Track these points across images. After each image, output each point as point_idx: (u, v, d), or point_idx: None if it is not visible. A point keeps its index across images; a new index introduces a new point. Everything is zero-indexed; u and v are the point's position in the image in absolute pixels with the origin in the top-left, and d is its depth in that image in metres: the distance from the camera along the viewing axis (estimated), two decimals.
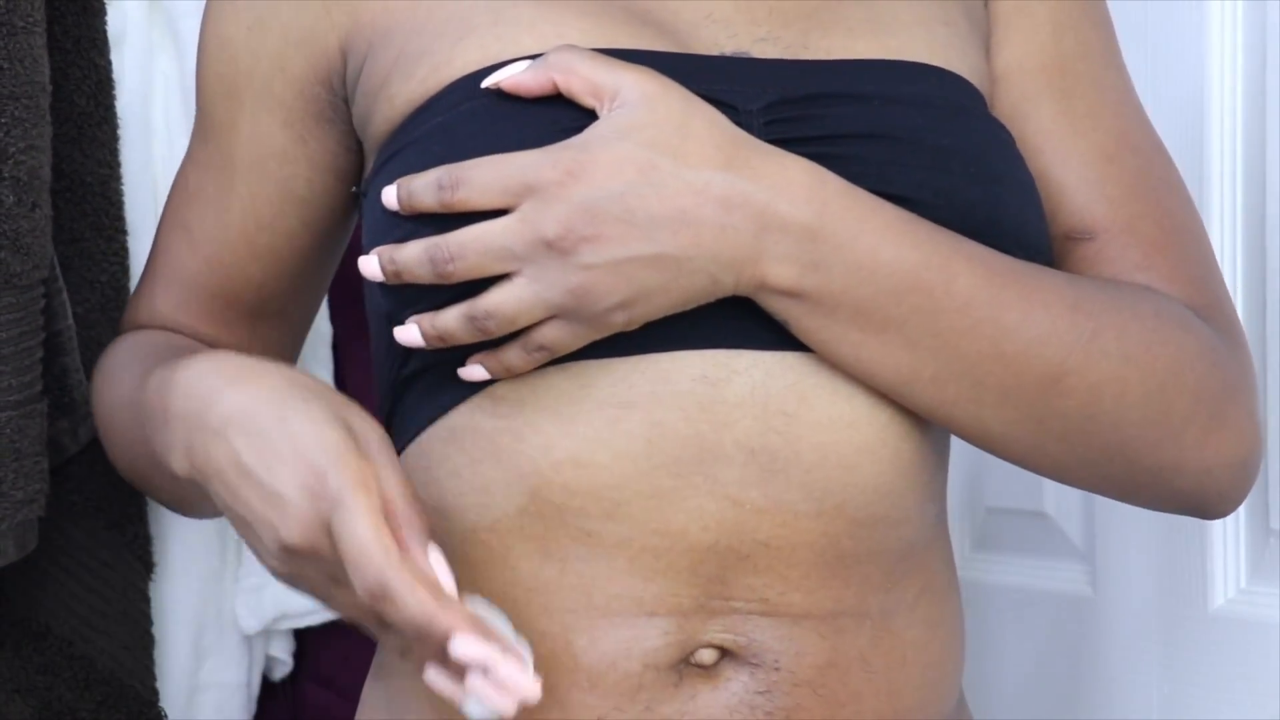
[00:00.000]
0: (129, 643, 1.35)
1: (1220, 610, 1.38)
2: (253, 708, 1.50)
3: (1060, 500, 1.56)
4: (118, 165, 1.39)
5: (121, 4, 1.45)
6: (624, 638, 1.02)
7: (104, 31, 1.37)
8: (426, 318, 1.02)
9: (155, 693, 1.37)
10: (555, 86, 1.02)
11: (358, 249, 1.10)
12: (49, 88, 1.26)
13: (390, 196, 1.03)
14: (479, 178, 1.00)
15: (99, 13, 1.37)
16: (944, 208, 1.05)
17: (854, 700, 1.05)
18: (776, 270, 1.01)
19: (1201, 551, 1.39)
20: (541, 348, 1.01)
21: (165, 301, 1.21)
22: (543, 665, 1.00)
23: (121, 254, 1.37)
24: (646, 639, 1.02)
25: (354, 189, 1.16)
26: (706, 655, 1.03)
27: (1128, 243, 1.12)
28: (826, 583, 1.04)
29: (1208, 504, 1.11)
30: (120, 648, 1.34)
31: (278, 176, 1.17)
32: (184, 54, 1.48)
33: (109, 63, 1.38)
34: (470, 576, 1.03)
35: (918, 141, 1.05)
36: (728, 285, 1.01)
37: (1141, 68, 1.44)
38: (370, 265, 1.03)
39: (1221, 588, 1.38)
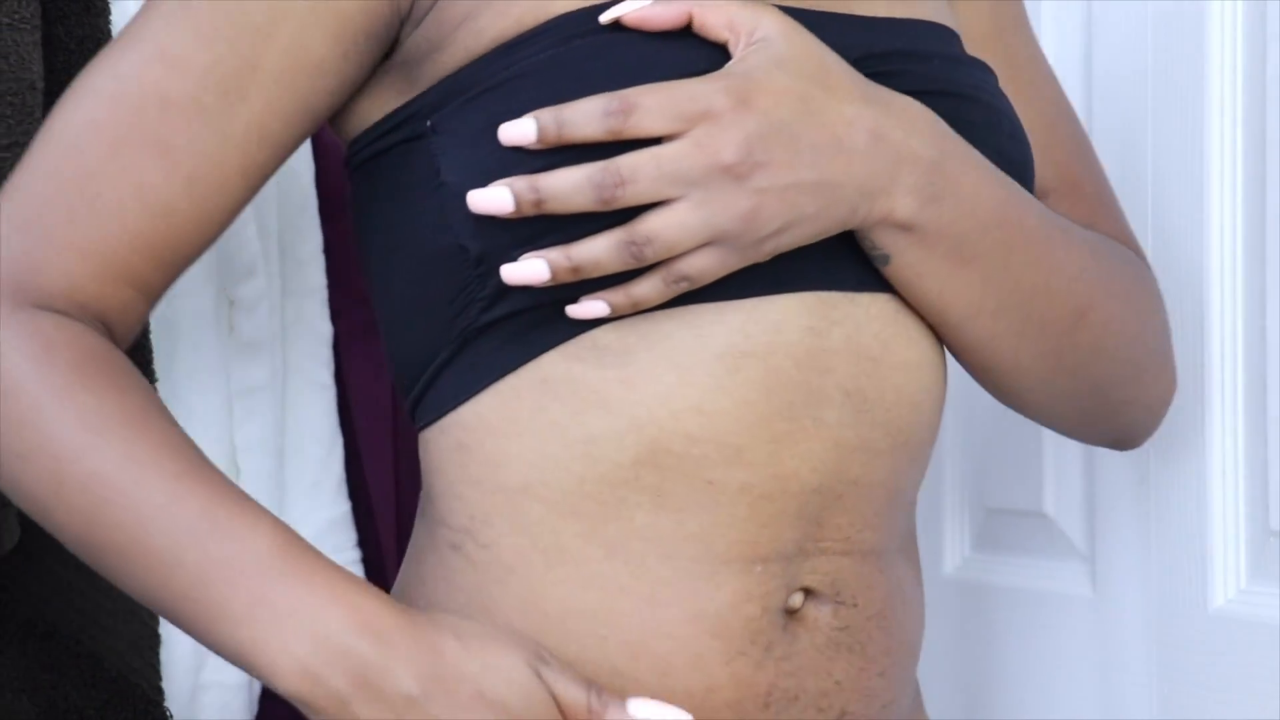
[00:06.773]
0: (135, 641, 1.34)
1: (1220, 610, 1.38)
2: (254, 708, 1.50)
3: (1060, 500, 1.56)
4: None
5: (122, 4, 1.44)
6: (744, 583, 1.04)
7: (107, 31, 1.37)
8: (557, 250, 0.99)
9: (161, 692, 1.36)
10: (687, 19, 1.01)
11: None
12: (40, 85, 1.26)
13: (520, 130, 0.99)
14: (653, 103, 0.98)
15: (102, 12, 1.37)
16: (994, 163, 1.10)
17: (899, 629, 1.10)
18: (903, 202, 1.04)
19: (1201, 552, 1.39)
20: (684, 278, 1.00)
21: (89, 260, 1.04)
22: (668, 611, 1.03)
23: None
24: (761, 583, 1.04)
25: (428, 124, 1.05)
26: (796, 599, 1.06)
27: (1075, 200, 1.21)
28: (888, 519, 1.09)
29: (1135, 438, 1.23)
30: (127, 646, 1.33)
31: (305, 90, 1.05)
32: None
33: None
34: (580, 529, 1.03)
35: (975, 99, 1.10)
36: (860, 215, 1.04)
37: (1141, 67, 1.44)
38: (493, 198, 0.99)
39: (1221, 588, 1.38)
